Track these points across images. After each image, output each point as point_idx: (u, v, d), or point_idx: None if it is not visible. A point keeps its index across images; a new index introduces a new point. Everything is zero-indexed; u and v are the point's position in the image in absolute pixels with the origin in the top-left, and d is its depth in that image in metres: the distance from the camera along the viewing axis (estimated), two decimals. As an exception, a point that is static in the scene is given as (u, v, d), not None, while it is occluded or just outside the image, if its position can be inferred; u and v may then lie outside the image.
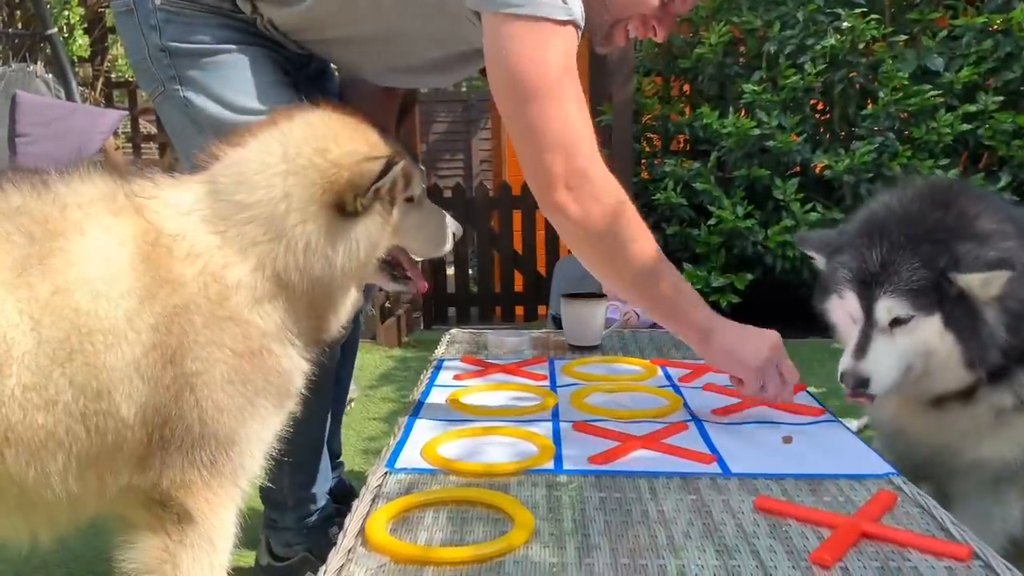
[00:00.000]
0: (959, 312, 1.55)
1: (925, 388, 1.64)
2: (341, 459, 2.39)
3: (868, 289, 1.61)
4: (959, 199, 1.66)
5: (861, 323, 1.63)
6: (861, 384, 1.59)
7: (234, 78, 1.76)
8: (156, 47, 1.74)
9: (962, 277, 1.53)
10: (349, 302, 1.48)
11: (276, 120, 1.43)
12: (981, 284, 1.53)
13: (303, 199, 1.34)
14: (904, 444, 1.77)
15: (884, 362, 1.59)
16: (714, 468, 1.38)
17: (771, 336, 1.63)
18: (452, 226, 1.60)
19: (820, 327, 1.96)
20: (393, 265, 1.53)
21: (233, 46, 1.76)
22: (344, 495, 2.17)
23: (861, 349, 1.61)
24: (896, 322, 1.58)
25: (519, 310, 6.02)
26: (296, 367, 1.38)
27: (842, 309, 1.69)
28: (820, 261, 1.78)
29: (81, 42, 5.91)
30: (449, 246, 1.61)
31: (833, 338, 1.86)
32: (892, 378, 1.59)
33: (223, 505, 1.32)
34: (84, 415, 1.20)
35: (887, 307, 1.58)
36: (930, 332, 1.57)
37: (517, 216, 5.93)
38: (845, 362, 1.62)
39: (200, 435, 1.27)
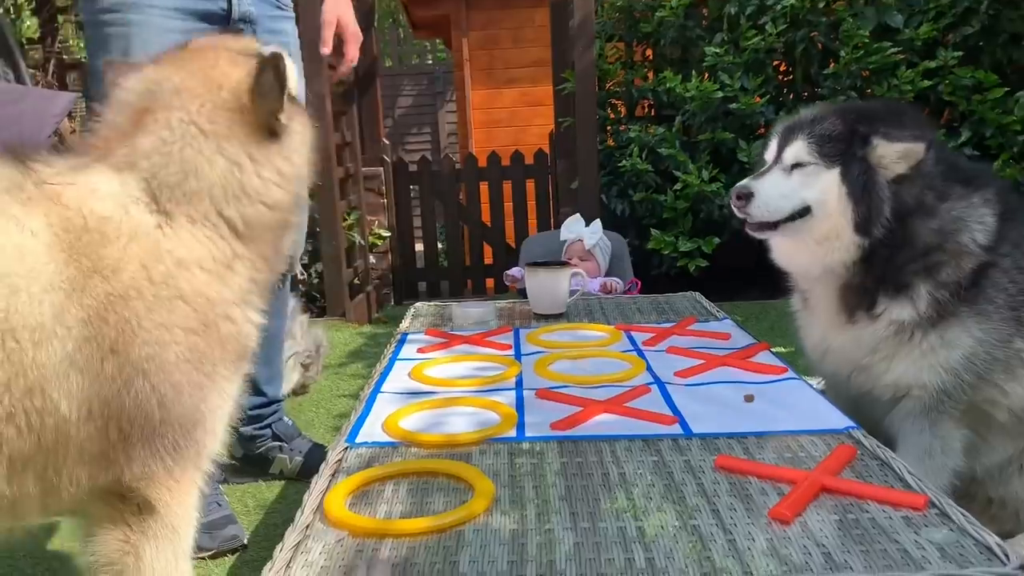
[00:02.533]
0: (858, 173, 1.66)
1: (820, 256, 1.72)
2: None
3: (787, 135, 1.75)
4: (905, 114, 1.80)
5: (770, 162, 1.77)
6: (745, 196, 1.72)
7: None
8: None
9: (882, 144, 1.65)
10: (295, 225, 1.42)
11: (169, 64, 1.34)
12: (897, 156, 1.64)
13: (239, 137, 1.28)
14: (831, 365, 1.84)
15: (774, 188, 1.72)
16: (676, 429, 1.38)
17: None
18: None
19: (787, 289, 1.98)
20: None
21: None
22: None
23: (759, 176, 1.76)
24: (797, 166, 1.71)
25: (490, 282, 6.00)
26: (254, 325, 1.34)
27: (767, 154, 1.82)
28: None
29: (29, 23, 5.76)
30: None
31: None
32: (775, 202, 1.71)
33: (185, 492, 1.28)
34: (11, 414, 1.12)
35: (794, 151, 1.72)
36: (827, 182, 1.68)
37: (484, 188, 5.89)
38: (738, 183, 1.78)
39: (161, 420, 1.21)
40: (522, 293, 2.93)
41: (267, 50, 1.33)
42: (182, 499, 1.27)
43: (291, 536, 1.05)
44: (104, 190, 1.24)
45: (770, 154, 1.79)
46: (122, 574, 1.25)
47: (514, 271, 3.00)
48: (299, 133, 1.35)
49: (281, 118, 1.30)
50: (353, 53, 2.06)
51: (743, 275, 4.38)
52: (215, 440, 1.32)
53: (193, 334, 1.25)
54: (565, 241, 3.26)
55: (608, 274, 3.22)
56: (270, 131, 1.30)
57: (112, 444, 1.19)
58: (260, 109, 1.28)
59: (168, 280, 1.23)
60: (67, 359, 1.14)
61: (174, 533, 1.27)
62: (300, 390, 3.40)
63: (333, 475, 1.25)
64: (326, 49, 2.02)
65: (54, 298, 1.14)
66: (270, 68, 1.27)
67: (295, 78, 1.39)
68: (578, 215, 3.35)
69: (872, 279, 1.69)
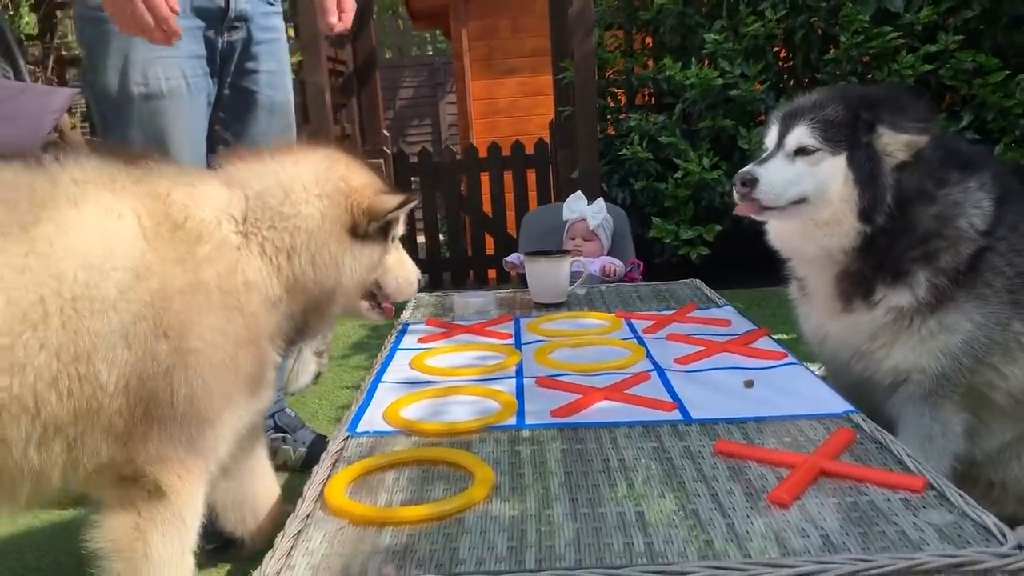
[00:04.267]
0: (864, 159, 1.65)
1: (819, 239, 1.71)
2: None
3: (788, 121, 1.74)
4: (905, 98, 1.78)
5: (772, 148, 1.75)
6: (750, 182, 1.70)
7: None
8: None
9: (888, 133, 1.64)
10: (334, 315, 1.64)
11: (298, 149, 1.62)
12: (902, 145, 1.63)
13: (332, 219, 1.53)
14: (830, 352, 1.84)
15: (778, 174, 1.71)
16: (675, 415, 1.38)
17: None
18: (417, 274, 1.78)
19: (787, 277, 1.98)
20: (372, 295, 1.70)
21: None
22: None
23: (762, 162, 1.74)
24: (801, 151, 1.70)
25: (491, 273, 6.00)
26: (274, 362, 1.51)
27: (768, 141, 1.80)
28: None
29: (28, 19, 5.75)
30: (415, 290, 1.78)
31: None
32: (780, 189, 1.69)
33: (195, 482, 1.34)
34: (56, 380, 1.21)
35: (797, 136, 1.70)
36: (833, 168, 1.67)
37: (485, 179, 5.89)
38: (742, 169, 1.75)
39: (183, 413, 1.30)
40: (522, 280, 2.93)
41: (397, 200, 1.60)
42: (190, 489, 1.34)
43: (292, 525, 1.06)
44: (211, 200, 1.45)
45: (771, 140, 1.78)
46: (130, 560, 1.30)
47: (513, 257, 2.99)
48: (372, 253, 1.60)
49: (370, 229, 1.57)
50: (348, 19, 2.08)
51: (744, 263, 4.38)
52: (225, 448, 1.40)
53: (238, 346, 1.38)
54: (566, 221, 3.23)
55: (611, 251, 3.19)
56: (357, 234, 1.55)
57: (136, 421, 1.28)
58: (366, 220, 1.55)
59: (235, 293, 1.40)
60: (120, 332, 1.25)
61: (181, 522, 1.33)
62: (315, 379, 3.44)
63: (334, 464, 1.26)
64: (332, 18, 2.03)
65: (123, 276, 1.27)
66: (402, 204, 1.59)
67: (402, 226, 1.69)
68: (579, 193, 3.30)
69: (870, 266, 1.69)
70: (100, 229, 1.29)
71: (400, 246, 1.76)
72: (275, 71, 2.15)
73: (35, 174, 1.32)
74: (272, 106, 2.14)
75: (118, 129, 1.93)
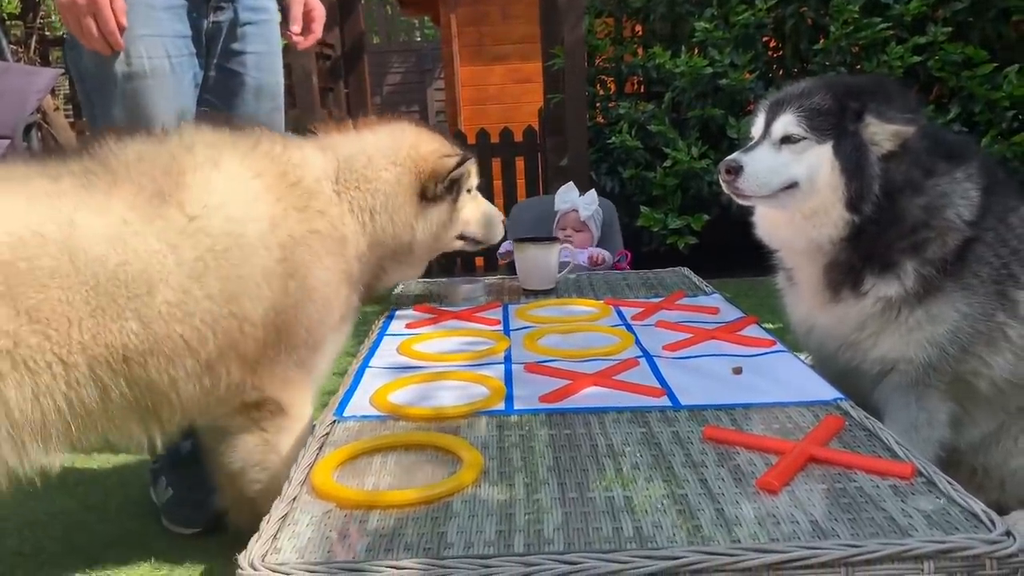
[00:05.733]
0: (851, 149, 1.64)
1: (807, 230, 1.70)
2: None
3: (775, 109, 1.73)
4: (892, 88, 1.77)
5: (758, 136, 1.75)
6: (734, 170, 1.70)
7: None
8: None
9: (875, 123, 1.63)
10: (416, 264, 1.96)
11: (380, 122, 1.90)
12: (889, 135, 1.63)
13: (406, 184, 1.81)
14: (817, 341, 1.84)
15: (763, 162, 1.70)
16: (664, 401, 1.38)
17: None
18: (499, 215, 2.11)
19: (775, 267, 1.98)
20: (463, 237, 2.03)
21: None
22: None
23: (747, 150, 1.74)
24: (787, 139, 1.69)
25: (479, 260, 5.99)
26: (354, 304, 1.81)
27: (755, 129, 1.80)
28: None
29: (10, -1, 5.67)
30: (501, 231, 2.11)
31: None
32: (765, 176, 1.69)
33: (306, 394, 1.66)
34: (215, 319, 1.44)
35: (783, 124, 1.70)
36: (819, 157, 1.66)
37: (473, 165, 5.86)
38: (727, 157, 1.75)
39: (303, 340, 1.59)
40: (510, 267, 2.92)
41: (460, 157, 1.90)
42: (305, 398, 1.65)
43: (278, 508, 1.04)
44: (313, 161, 1.72)
45: (757, 128, 1.78)
46: (268, 470, 1.59)
47: (506, 245, 2.98)
48: (441, 213, 1.89)
49: (437, 191, 1.85)
50: (318, 29, 2.19)
51: (732, 252, 4.38)
52: (322, 367, 1.72)
53: (339, 287, 1.68)
54: (558, 211, 3.22)
55: (600, 242, 3.19)
56: (427, 197, 1.85)
57: (267, 349, 1.53)
58: (432, 183, 1.84)
59: (341, 241, 1.70)
60: (262, 274, 1.50)
61: (299, 423, 1.61)
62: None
63: (320, 448, 1.24)
64: (296, 27, 2.13)
65: (261, 226, 1.52)
66: (459, 164, 1.88)
67: (474, 177, 2.01)
68: (571, 184, 3.30)
69: (858, 257, 1.69)
70: (238, 187, 1.51)
71: (479, 195, 2.05)
72: (263, 52, 2.12)
73: (169, 144, 1.53)
74: (260, 88, 2.11)
75: (102, 108, 1.91)
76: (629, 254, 3.21)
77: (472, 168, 1.96)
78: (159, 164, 1.48)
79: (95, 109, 1.93)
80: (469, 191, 1.99)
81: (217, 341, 1.45)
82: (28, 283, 1.28)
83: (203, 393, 1.49)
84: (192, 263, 1.42)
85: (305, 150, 1.73)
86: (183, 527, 2.06)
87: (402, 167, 1.80)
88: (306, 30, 2.17)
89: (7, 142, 4.09)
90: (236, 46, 2.07)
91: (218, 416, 1.57)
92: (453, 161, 1.85)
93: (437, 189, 1.84)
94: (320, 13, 2.19)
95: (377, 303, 2.13)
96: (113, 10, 1.76)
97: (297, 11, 2.13)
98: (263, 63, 2.12)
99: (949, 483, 1.05)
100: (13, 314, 1.26)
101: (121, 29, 1.78)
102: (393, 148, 1.81)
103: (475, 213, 2.03)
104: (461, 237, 2.01)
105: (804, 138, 1.68)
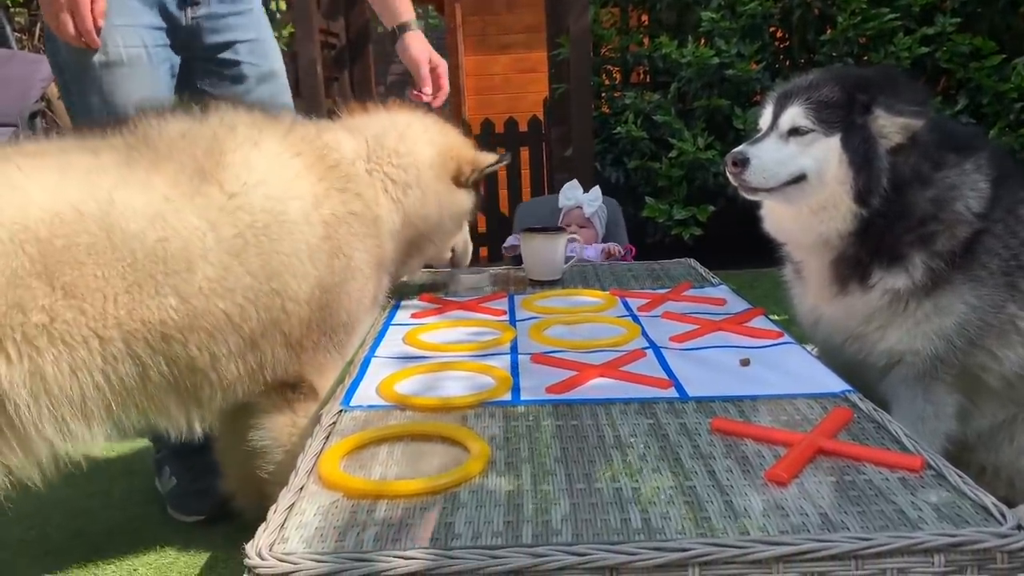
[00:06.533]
0: (859, 142, 1.63)
1: (815, 225, 1.69)
2: None
3: (782, 101, 1.72)
4: (900, 80, 1.77)
5: (766, 128, 1.74)
6: (741, 162, 1.68)
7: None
8: None
9: (883, 115, 1.62)
10: (425, 256, 1.98)
11: (401, 106, 1.94)
12: (898, 128, 1.61)
13: (439, 164, 1.85)
14: (824, 333, 1.83)
15: (770, 154, 1.69)
16: (671, 393, 1.38)
17: None
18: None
19: (781, 259, 1.97)
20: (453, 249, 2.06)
21: None
22: None
23: (755, 142, 1.72)
24: (794, 132, 1.68)
25: (483, 251, 5.97)
26: (386, 286, 1.83)
27: (762, 121, 1.78)
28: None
29: (14, -14, 5.65)
30: (468, 260, 2.21)
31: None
32: (772, 169, 1.67)
33: (332, 378, 1.65)
34: (257, 296, 1.45)
35: (791, 116, 1.68)
36: (827, 149, 1.65)
37: (478, 155, 5.84)
38: (734, 149, 1.73)
39: (342, 322, 1.61)
40: (515, 260, 2.91)
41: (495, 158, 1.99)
42: (328, 383, 1.64)
43: (285, 497, 1.04)
44: (345, 143, 1.75)
45: (765, 120, 1.76)
46: (290, 452, 1.57)
47: (512, 239, 2.98)
48: (467, 201, 1.96)
49: (471, 178, 1.92)
50: (445, 84, 2.30)
51: (737, 244, 4.37)
52: (351, 350, 1.71)
53: (375, 268, 1.71)
54: (561, 208, 3.23)
55: (604, 240, 3.20)
56: (459, 182, 1.90)
57: (310, 329, 1.55)
58: (469, 170, 1.91)
59: (377, 219, 1.71)
60: (306, 251, 1.51)
61: (317, 403, 1.61)
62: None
63: (327, 437, 1.24)
64: (427, 88, 2.25)
65: (302, 204, 1.53)
66: (498, 161, 1.98)
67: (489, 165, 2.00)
68: (575, 181, 3.31)
69: (866, 250, 1.67)
70: (279, 165, 1.53)
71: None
72: (255, 40, 2.11)
73: (210, 123, 1.54)
74: (260, 76, 2.11)
75: (79, 97, 1.90)
76: (634, 249, 3.21)
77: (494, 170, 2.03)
78: (201, 143, 1.49)
79: (73, 98, 1.92)
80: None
81: (260, 317, 1.46)
82: (65, 260, 1.28)
83: (247, 373, 1.49)
84: (232, 239, 1.43)
85: (336, 132, 1.75)
86: (188, 515, 2.08)
87: (436, 148, 1.85)
88: (436, 87, 2.27)
89: (12, 129, 4.09)
90: (223, 38, 2.05)
91: (254, 395, 1.57)
92: (492, 158, 1.95)
93: (472, 176, 1.89)
94: (444, 68, 2.30)
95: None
96: (93, 11, 1.76)
97: (424, 72, 2.23)
98: (257, 49, 2.11)
99: (959, 476, 1.04)
100: (49, 290, 1.27)
101: (98, 29, 1.79)
102: (426, 128, 1.86)
103: (465, 231, 2.12)
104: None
105: (812, 130, 1.66)
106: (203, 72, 2.06)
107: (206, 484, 2.01)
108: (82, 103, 1.90)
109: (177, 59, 2.02)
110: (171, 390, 1.43)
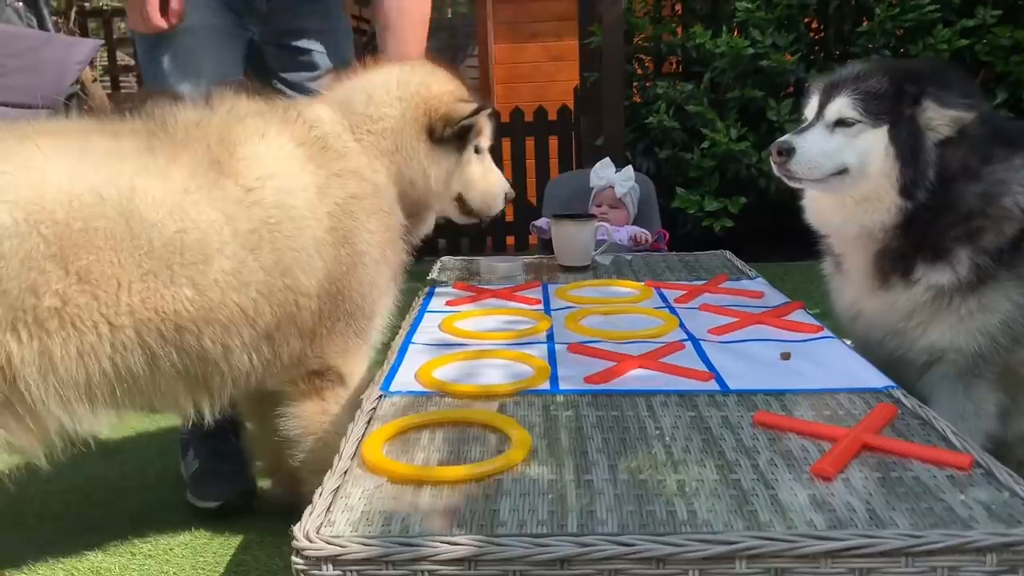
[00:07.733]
0: (907, 134, 1.61)
1: (859, 216, 1.67)
2: None
3: (830, 91, 1.69)
4: (951, 74, 1.74)
5: (811, 118, 1.71)
6: (786, 152, 1.67)
7: None
8: None
9: (933, 107, 1.59)
10: (431, 218, 1.88)
11: (385, 61, 1.83)
12: (947, 120, 1.59)
13: (412, 119, 1.72)
14: (863, 329, 1.80)
15: (816, 144, 1.67)
16: (712, 385, 1.37)
17: None
18: (505, 187, 1.93)
19: (814, 251, 1.95)
20: (462, 201, 1.89)
21: None
22: None
23: (800, 132, 1.70)
24: (841, 123, 1.66)
25: (510, 239, 5.97)
26: (400, 265, 1.75)
27: (808, 111, 1.75)
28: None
29: (51, -31, 5.69)
30: (501, 205, 1.94)
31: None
32: (817, 160, 1.65)
33: (363, 365, 1.66)
34: (271, 291, 1.45)
35: (838, 107, 1.66)
36: (873, 141, 1.63)
37: (506, 144, 5.82)
38: (780, 139, 1.71)
39: (358, 307, 1.59)
40: (544, 245, 2.90)
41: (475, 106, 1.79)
42: (360, 370, 1.65)
43: (330, 481, 1.05)
44: (328, 119, 1.66)
45: (811, 110, 1.74)
46: (322, 439, 1.58)
47: (541, 222, 2.96)
48: (448, 159, 1.78)
49: (445, 134, 1.74)
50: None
51: (770, 236, 4.34)
52: (377, 335, 1.70)
53: (385, 245, 1.65)
54: (593, 187, 3.18)
55: (636, 220, 3.14)
56: (435, 137, 1.74)
57: (323, 319, 1.54)
58: (442, 125, 1.73)
59: (376, 194, 1.65)
60: (314, 244, 1.50)
61: (349, 392, 1.62)
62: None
63: (368, 422, 1.25)
64: None
65: (309, 195, 1.52)
66: (474, 112, 1.76)
67: (486, 137, 1.89)
68: (608, 159, 3.24)
69: (911, 244, 1.65)
70: (284, 156, 1.51)
71: (489, 159, 1.91)
72: (328, 30, 2.14)
73: (220, 112, 1.53)
74: (331, 65, 2.12)
75: (155, 65, 1.97)
76: (667, 234, 3.17)
77: (486, 124, 1.86)
78: (213, 133, 1.49)
79: (148, 67, 2.00)
80: (478, 151, 1.88)
81: (273, 312, 1.47)
82: (81, 244, 1.28)
83: (261, 363, 1.50)
84: (246, 234, 1.43)
85: (316, 111, 1.68)
86: (204, 501, 2.03)
87: (408, 103, 1.72)
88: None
89: (47, 112, 4.13)
90: (297, 24, 2.08)
91: (281, 383, 1.59)
92: (468, 107, 1.75)
93: (445, 131, 1.73)
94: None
95: (416, 280, 2.11)
96: (169, 7, 1.86)
97: None
98: (329, 40, 2.14)
99: (1009, 475, 1.02)
100: (63, 274, 1.27)
101: (170, 26, 1.88)
102: (400, 84, 1.73)
103: (479, 177, 1.88)
104: (458, 199, 1.88)
105: (859, 121, 1.64)
106: (275, 57, 2.10)
107: (227, 468, 2.01)
108: (156, 70, 1.97)
109: (248, 38, 2.07)
110: (179, 380, 1.43)
